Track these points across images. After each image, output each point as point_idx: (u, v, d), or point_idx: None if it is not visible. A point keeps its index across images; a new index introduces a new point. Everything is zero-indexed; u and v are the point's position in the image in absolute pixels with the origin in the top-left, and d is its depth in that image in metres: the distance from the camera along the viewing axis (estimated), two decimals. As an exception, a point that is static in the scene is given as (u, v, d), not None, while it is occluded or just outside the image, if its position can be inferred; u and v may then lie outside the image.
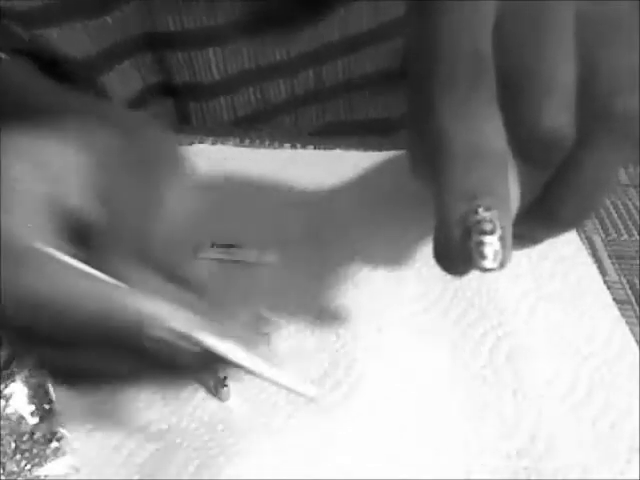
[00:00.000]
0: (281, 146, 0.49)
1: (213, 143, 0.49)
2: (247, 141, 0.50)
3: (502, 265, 0.18)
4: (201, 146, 0.49)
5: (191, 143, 0.49)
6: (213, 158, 0.47)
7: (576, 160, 0.21)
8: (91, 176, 0.22)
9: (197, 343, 0.20)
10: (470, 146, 0.19)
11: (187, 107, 0.52)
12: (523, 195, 0.22)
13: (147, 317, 0.20)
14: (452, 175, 0.19)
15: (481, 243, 0.18)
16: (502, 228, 0.18)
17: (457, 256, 0.19)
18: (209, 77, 0.49)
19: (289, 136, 0.50)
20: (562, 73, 0.20)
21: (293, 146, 0.49)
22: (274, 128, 0.52)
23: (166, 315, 0.20)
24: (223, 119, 0.52)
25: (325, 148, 0.49)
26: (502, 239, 0.18)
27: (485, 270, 0.18)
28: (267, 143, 0.50)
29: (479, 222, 0.18)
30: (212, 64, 0.49)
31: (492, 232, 0.18)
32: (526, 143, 0.20)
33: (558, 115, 0.19)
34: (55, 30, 0.43)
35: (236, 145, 0.49)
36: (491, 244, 0.18)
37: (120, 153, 0.23)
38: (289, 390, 0.23)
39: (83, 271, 0.20)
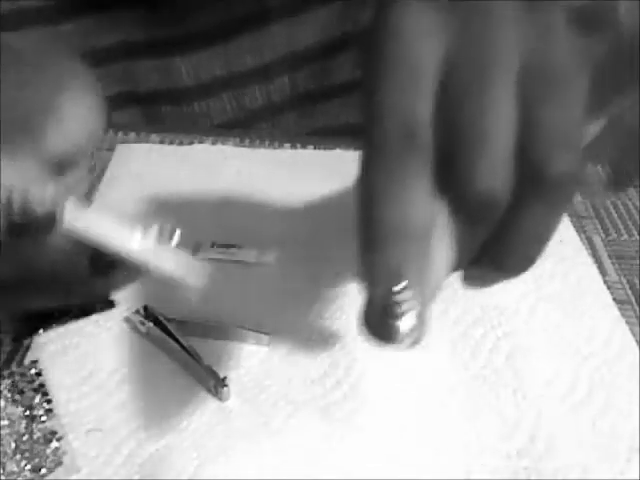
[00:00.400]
0: (281, 146, 0.49)
1: (213, 143, 0.49)
2: (247, 141, 0.50)
3: (416, 343, 0.18)
4: (201, 146, 0.49)
5: (191, 143, 0.49)
6: (213, 158, 0.47)
7: (512, 219, 0.21)
8: None
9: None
10: (391, 222, 0.19)
11: (159, 112, 0.52)
12: (465, 249, 0.22)
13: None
14: (371, 252, 0.19)
15: (391, 324, 0.18)
16: (418, 307, 0.18)
17: (375, 332, 0.19)
18: (180, 84, 0.49)
19: (289, 136, 0.50)
20: (498, 135, 0.19)
21: (293, 146, 0.49)
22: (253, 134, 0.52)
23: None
24: (199, 125, 0.52)
25: (325, 148, 0.49)
26: (417, 318, 0.18)
27: (394, 349, 0.18)
28: (267, 143, 0.50)
29: (395, 303, 0.18)
30: (182, 71, 0.48)
31: (407, 312, 0.18)
32: (461, 203, 0.20)
33: (491, 177, 0.19)
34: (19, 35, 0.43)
35: (236, 145, 0.49)
36: (405, 324, 0.18)
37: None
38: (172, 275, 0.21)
39: None
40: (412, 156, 0.19)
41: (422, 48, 0.20)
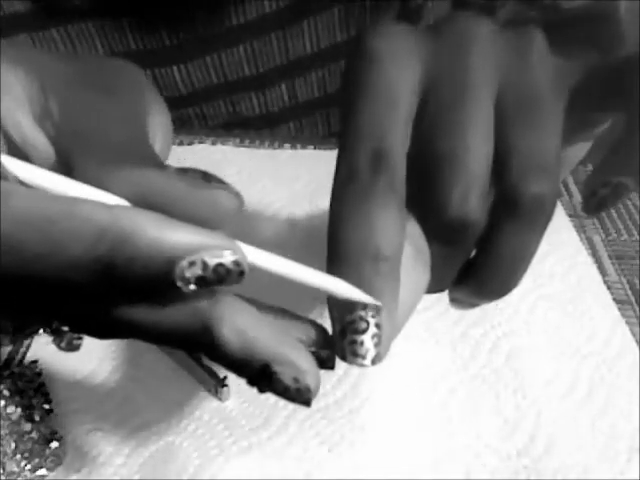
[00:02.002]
0: (281, 146, 0.49)
1: (213, 143, 0.49)
2: (247, 141, 0.50)
3: (374, 363, 0.18)
4: (201, 146, 0.49)
5: (191, 143, 0.49)
6: (213, 158, 0.47)
7: (491, 241, 0.21)
8: (34, 97, 0.20)
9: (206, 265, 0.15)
10: (353, 243, 0.19)
11: None
12: (444, 270, 0.22)
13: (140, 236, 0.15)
14: (334, 271, 0.19)
15: (354, 342, 0.18)
16: (377, 327, 0.18)
17: (336, 349, 0.19)
18: (176, 93, 0.49)
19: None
20: (473, 159, 0.20)
21: (293, 146, 0.49)
22: (253, 134, 0.52)
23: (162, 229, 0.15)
24: (194, 127, 0.52)
25: (325, 148, 0.49)
26: (375, 337, 0.18)
27: (359, 366, 0.18)
28: (267, 143, 0.50)
29: (353, 321, 0.18)
30: (178, 80, 0.48)
31: (364, 331, 0.18)
32: (437, 227, 0.20)
33: (466, 202, 0.19)
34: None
35: (236, 145, 0.49)
36: (362, 343, 0.18)
37: (72, 73, 0.21)
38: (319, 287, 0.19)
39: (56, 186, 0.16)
40: (380, 179, 0.19)
41: (396, 73, 0.20)
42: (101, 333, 0.18)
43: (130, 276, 0.15)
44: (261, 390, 0.18)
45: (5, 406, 0.28)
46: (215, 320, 0.17)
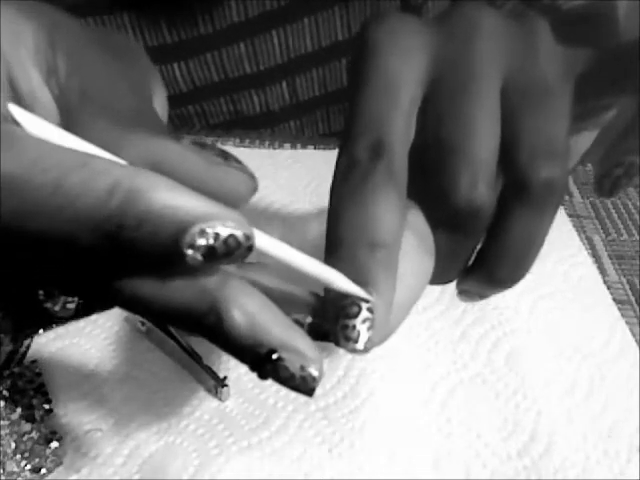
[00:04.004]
0: (281, 146, 0.49)
1: (213, 143, 0.49)
2: (247, 141, 0.50)
3: (366, 348, 0.18)
4: (201, 146, 0.49)
5: (191, 143, 0.49)
6: (213, 158, 0.47)
7: (500, 228, 0.21)
8: (43, 52, 0.19)
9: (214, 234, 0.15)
10: (351, 230, 0.19)
11: None
12: (451, 260, 0.22)
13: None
14: (329, 258, 0.19)
15: (346, 326, 0.18)
16: (369, 311, 0.18)
17: (329, 336, 0.19)
18: (176, 90, 0.49)
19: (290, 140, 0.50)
20: (481, 146, 0.20)
21: (293, 146, 0.49)
22: (253, 134, 0.52)
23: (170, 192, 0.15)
24: (195, 126, 0.52)
25: (325, 148, 0.49)
26: (367, 322, 0.18)
27: (351, 351, 0.18)
28: (267, 143, 0.50)
29: (345, 306, 0.18)
30: (178, 77, 0.48)
31: (356, 315, 0.18)
32: (444, 214, 0.20)
33: (473, 187, 0.20)
34: None
35: (236, 145, 0.49)
36: (354, 327, 0.18)
37: (84, 34, 0.21)
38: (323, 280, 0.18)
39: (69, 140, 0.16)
40: (378, 167, 0.19)
41: (398, 63, 0.20)
42: (100, 302, 0.18)
43: (138, 240, 0.15)
44: (263, 376, 0.17)
45: (5, 406, 0.28)
46: (224, 301, 0.16)
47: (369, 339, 0.18)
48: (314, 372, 0.17)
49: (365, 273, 0.18)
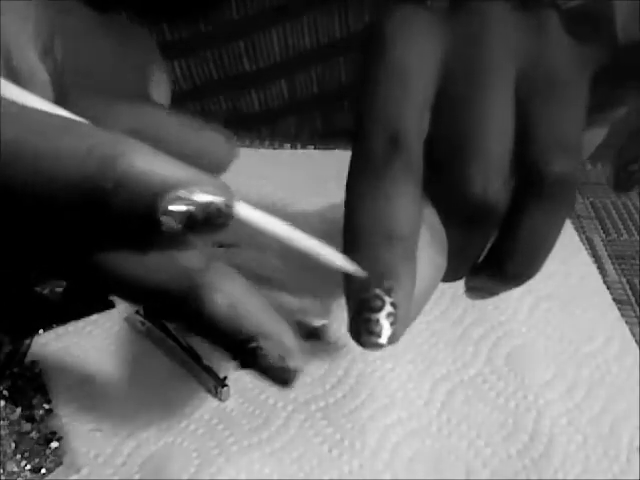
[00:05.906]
0: (281, 146, 0.49)
1: (213, 143, 0.49)
2: (247, 141, 0.50)
3: (390, 342, 0.18)
4: (201, 146, 0.49)
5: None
6: (213, 158, 0.47)
7: (514, 223, 0.21)
8: (42, 29, 0.19)
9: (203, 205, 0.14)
10: (369, 225, 0.19)
11: None
12: (462, 257, 0.22)
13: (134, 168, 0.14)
14: (349, 254, 0.19)
15: (369, 320, 0.18)
16: (393, 305, 0.18)
17: (350, 330, 0.19)
18: (175, 87, 0.49)
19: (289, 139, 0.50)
20: (495, 140, 0.19)
21: (293, 146, 0.49)
22: (253, 134, 0.52)
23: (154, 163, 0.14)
24: None
25: (325, 148, 0.49)
26: (391, 317, 0.18)
27: (371, 346, 0.18)
28: (267, 143, 0.50)
29: (368, 300, 0.18)
30: (178, 75, 0.48)
31: (380, 309, 0.18)
32: (458, 209, 0.20)
33: (487, 182, 0.19)
34: None
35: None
36: (377, 321, 0.18)
37: (85, 15, 0.21)
38: (320, 258, 0.18)
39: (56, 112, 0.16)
40: (395, 160, 0.19)
41: (412, 57, 0.20)
42: (79, 278, 0.17)
43: (116, 205, 0.14)
44: (244, 365, 0.17)
45: (5, 406, 0.28)
46: (205, 285, 0.16)
47: (393, 333, 0.18)
48: (293, 363, 0.17)
49: (386, 265, 0.18)
